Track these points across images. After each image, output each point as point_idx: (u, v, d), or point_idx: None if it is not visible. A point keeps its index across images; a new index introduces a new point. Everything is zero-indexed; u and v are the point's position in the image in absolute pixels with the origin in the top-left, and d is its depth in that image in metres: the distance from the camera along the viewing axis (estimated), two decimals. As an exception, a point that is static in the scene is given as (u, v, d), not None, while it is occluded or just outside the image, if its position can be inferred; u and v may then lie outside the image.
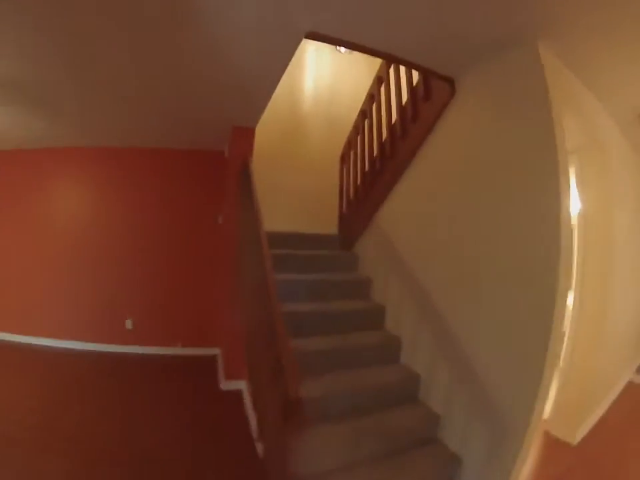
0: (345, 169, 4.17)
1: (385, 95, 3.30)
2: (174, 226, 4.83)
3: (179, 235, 4.82)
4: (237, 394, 3.56)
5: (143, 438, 2.86)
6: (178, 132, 4.20)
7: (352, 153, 3.98)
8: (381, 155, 3.37)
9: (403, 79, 3.04)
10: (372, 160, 3.53)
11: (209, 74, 2.68)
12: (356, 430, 2.22)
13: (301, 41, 2.14)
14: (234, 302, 3.57)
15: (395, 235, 3.19)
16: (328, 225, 4.14)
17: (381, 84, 3.36)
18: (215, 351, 4.54)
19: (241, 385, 3.63)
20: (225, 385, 3.69)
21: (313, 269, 3.46)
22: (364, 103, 3.75)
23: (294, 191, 4.44)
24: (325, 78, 4.90)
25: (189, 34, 2.15)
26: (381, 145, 3.38)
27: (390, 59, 2.53)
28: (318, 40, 2.14)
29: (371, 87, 3.59)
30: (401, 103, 3.09)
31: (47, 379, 3.90)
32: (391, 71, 3.17)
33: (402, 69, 2.99)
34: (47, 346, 4.86)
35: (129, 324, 4.78)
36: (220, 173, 4.60)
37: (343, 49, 4.71)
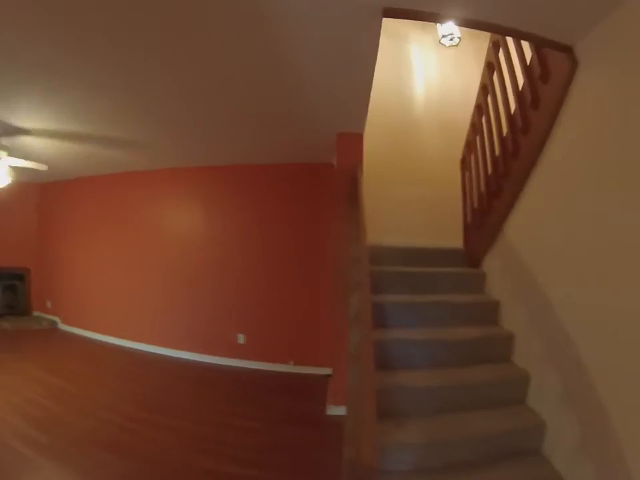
0: (466, 174, 3.73)
1: (498, 82, 2.84)
2: (287, 242, 5.00)
3: (292, 250, 4.97)
4: (341, 420, 3.37)
5: (229, 451, 2.99)
6: (283, 146, 4.38)
7: (472, 156, 3.54)
8: (504, 155, 2.90)
9: (515, 60, 2.57)
10: (494, 161, 3.06)
11: (298, 78, 2.68)
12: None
13: (380, 20, 1.96)
14: (341, 321, 3.43)
15: (526, 250, 2.68)
16: (451, 238, 3.73)
17: (492, 71, 2.91)
18: (329, 371, 4.45)
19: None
20: (331, 409, 3.60)
21: (430, 289, 3.10)
22: (478, 96, 3.30)
23: (409, 200, 4.16)
24: (433, 77, 4.55)
25: (270, 38, 2.18)
26: (502, 142, 2.92)
27: (490, 29, 2.12)
28: (397, 16, 1.92)
29: (482, 77, 3.15)
30: (518, 88, 2.61)
31: (160, 386, 4.43)
32: (501, 53, 2.72)
33: (512, 49, 2.53)
34: (160, 354, 5.55)
35: (240, 339, 5.07)
36: (331, 185, 4.60)
37: (447, 42, 4.29)
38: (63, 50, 2.30)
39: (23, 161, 4.13)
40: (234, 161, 5.11)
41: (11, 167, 4.13)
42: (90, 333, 6.43)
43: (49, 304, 7.26)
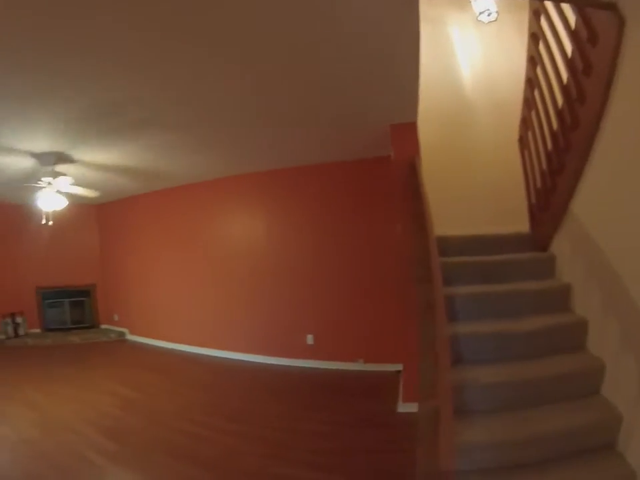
0: (525, 153, 3.52)
1: (545, 52, 2.67)
2: (352, 240, 5.04)
3: (356, 248, 5.01)
4: (414, 418, 3.30)
5: (300, 455, 3.05)
6: (338, 144, 4.46)
7: (529, 133, 3.34)
8: (562, 128, 2.71)
9: (559, 27, 2.40)
10: (553, 136, 2.88)
11: (349, 71, 2.72)
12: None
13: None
14: (411, 317, 3.38)
15: (596, 228, 2.49)
16: (516, 222, 3.54)
17: (537, 41, 2.74)
18: (399, 367, 4.40)
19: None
20: (402, 406, 3.58)
21: (497, 277, 2.97)
22: (527, 69, 3.12)
23: (468, 186, 4.03)
24: (477, 56, 4.35)
25: (325, 35, 2.26)
26: (559, 114, 2.73)
27: None
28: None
29: (528, 49, 2.97)
30: (566, 56, 2.44)
31: (230, 391, 4.63)
32: (543, 22, 2.56)
33: (554, 15, 2.38)
34: (230, 359, 5.81)
35: (309, 339, 5.16)
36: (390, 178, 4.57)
37: (485, 18, 4.08)
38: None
39: (76, 187, 4.57)
40: (289, 163, 5.28)
41: (64, 192, 4.55)
42: (158, 341, 6.92)
43: (115, 317, 7.95)
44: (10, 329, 7.54)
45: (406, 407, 3.55)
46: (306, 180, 5.39)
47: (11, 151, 4.04)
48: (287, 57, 2.49)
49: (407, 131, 3.62)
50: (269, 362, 5.48)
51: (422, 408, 1.52)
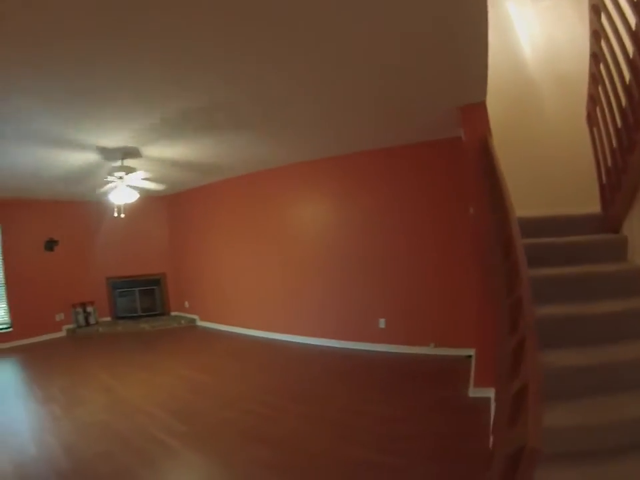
0: (594, 130, 3.41)
1: (608, 24, 2.60)
2: (422, 222, 5.10)
3: (427, 231, 5.07)
4: (485, 403, 3.40)
5: (371, 438, 3.16)
6: (407, 126, 4.51)
7: (597, 109, 3.24)
8: (631, 104, 2.64)
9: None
10: (622, 112, 2.79)
11: (413, 50, 2.73)
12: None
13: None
14: (487, 300, 3.41)
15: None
16: (586, 202, 3.45)
17: (599, 14, 2.66)
18: (470, 352, 4.46)
19: (491, 394, 3.42)
20: (474, 391, 3.62)
21: (568, 260, 2.94)
22: (590, 44, 3.02)
23: (535, 167, 3.93)
24: (537, 32, 4.20)
25: (393, 16, 2.27)
26: (627, 90, 2.65)
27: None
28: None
29: (590, 22, 2.89)
30: (631, 28, 2.38)
31: (301, 374, 4.85)
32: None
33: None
34: (300, 343, 6.09)
35: (382, 323, 5.31)
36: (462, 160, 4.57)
37: None
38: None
39: (143, 181, 4.90)
40: (357, 148, 5.44)
41: (133, 186, 4.90)
42: (229, 327, 7.36)
43: (186, 304, 8.50)
44: (81, 318, 8.27)
45: (478, 392, 3.60)
46: (374, 164, 5.50)
47: (84, 148, 4.41)
48: (353, 41, 2.53)
49: (476, 111, 3.60)
50: (339, 346, 5.69)
51: (502, 389, 1.57)
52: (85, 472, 2.96)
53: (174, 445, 3.31)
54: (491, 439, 2.63)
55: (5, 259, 7.45)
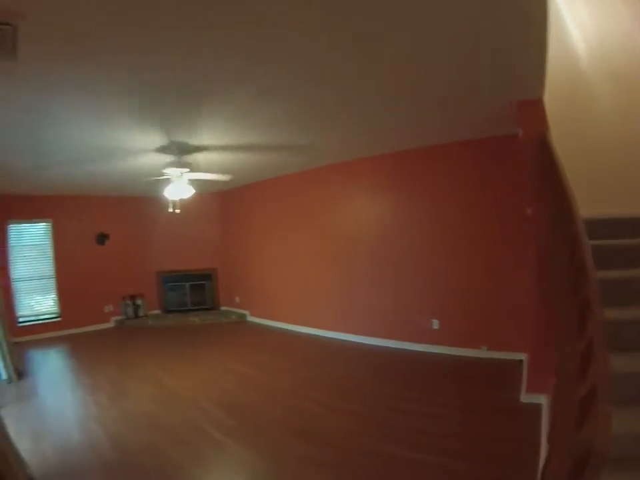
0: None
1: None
2: (477, 222, 4.94)
3: (483, 231, 4.90)
4: (537, 409, 3.29)
5: (416, 438, 3.11)
6: (463, 123, 4.36)
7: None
8: None
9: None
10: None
11: (473, 46, 2.61)
12: None
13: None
14: (544, 303, 3.33)
15: None
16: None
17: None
18: (522, 356, 4.34)
19: (543, 400, 3.33)
20: (525, 397, 3.52)
21: (630, 262, 2.82)
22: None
23: (596, 164, 3.77)
24: (590, 30, 4.02)
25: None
26: None
27: None
28: None
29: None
30: None
31: (350, 373, 4.78)
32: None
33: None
34: (353, 342, 6.02)
35: (435, 324, 5.19)
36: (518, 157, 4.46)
37: None
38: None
39: (206, 174, 4.94)
40: (411, 145, 5.32)
41: (195, 180, 4.93)
42: (278, 323, 7.40)
43: (237, 299, 8.61)
44: (130, 310, 8.50)
45: (529, 398, 3.50)
46: (428, 161, 5.37)
47: (140, 147, 4.51)
48: (412, 36, 2.42)
49: (534, 108, 3.48)
50: (389, 345, 5.63)
51: (566, 392, 1.53)
52: (130, 463, 3.00)
53: (222, 440, 3.31)
54: (544, 444, 2.58)
55: (55, 252, 7.75)
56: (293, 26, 2.26)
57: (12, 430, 3.40)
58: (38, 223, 7.69)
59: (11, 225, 7.31)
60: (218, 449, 3.20)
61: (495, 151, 4.77)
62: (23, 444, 3.21)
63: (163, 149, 4.59)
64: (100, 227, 8.28)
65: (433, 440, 3.06)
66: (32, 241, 7.70)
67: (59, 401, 4.42)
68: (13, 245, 7.36)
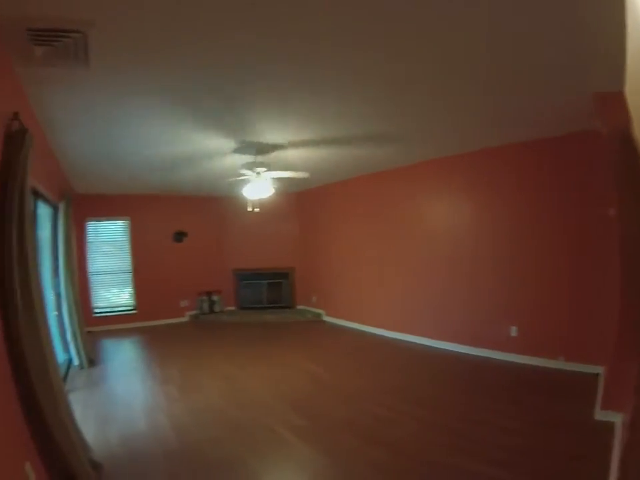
0: None
1: None
2: (558, 224, 4.68)
3: (564, 234, 4.63)
4: (610, 428, 3.04)
5: (481, 449, 2.98)
6: (537, 119, 4.12)
7: None
8: None
9: None
10: None
11: (547, 35, 2.45)
12: None
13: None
14: (627, 313, 3.06)
15: None
16: None
17: None
18: (599, 370, 4.06)
19: (618, 419, 3.06)
20: (600, 414, 3.26)
21: None
22: None
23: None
24: None
25: None
26: None
27: None
28: None
29: None
30: None
31: (423, 378, 4.68)
32: None
33: None
34: (426, 346, 5.91)
35: (513, 331, 4.96)
36: (598, 155, 4.09)
37: None
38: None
39: (285, 172, 5.00)
40: (487, 144, 5.13)
41: (273, 179, 5.03)
42: (354, 324, 7.39)
43: (313, 299, 8.68)
44: (205, 306, 8.88)
45: (604, 415, 3.23)
46: (503, 161, 5.15)
47: (216, 149, 4.68)
48: (483, 25, 2.30)
49: (615, 101, 3.21)
50: (462, 351, 5.48)
51: None
52: (193, 455, 3.09)
53: (289, 438, 3.33)
54: (614, 467, 2.37)
55: (132, 249, 8.29)
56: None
57: (78, 414, 3.66)
58: (116, 220, 8.25)
59: (90, 222, 7.89)
60: (284, 447, 3.22)
61: (575, 149, 4.47)
62: (88, 428, 3.43)
63: (239, 150, 4.72)
64: (178, 225, 8.74)
65: (502, 454, 2.92)
66: (110, 238, 8.29)
67: (127, 389, 4.68)
68: (92, 241, 7.95)
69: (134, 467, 2.93)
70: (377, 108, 3.71)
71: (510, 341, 5.04)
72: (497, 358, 5.10)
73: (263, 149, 4.71)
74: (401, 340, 6.36)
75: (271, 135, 4.38)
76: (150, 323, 8.25)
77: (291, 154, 5.14)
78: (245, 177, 4.94)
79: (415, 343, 6.15)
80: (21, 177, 2.33)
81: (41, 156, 3.50)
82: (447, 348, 5.71)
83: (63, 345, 5.41)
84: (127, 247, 8.30)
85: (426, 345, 5.96)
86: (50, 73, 2.58)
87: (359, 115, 3.88)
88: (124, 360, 6.05)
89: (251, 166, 4.75)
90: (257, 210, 5.57)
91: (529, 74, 3.01)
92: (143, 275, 8.31)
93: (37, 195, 3.87)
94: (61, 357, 5.31)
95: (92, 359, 5.57)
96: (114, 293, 8.36)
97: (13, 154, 2.32)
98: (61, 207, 5.10)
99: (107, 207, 8.03)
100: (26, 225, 2.33)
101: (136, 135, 4.17)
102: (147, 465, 2.96)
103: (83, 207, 7.44)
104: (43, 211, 4.84)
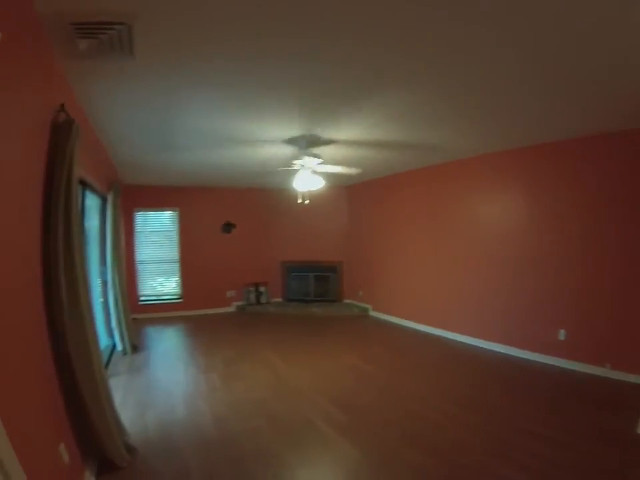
0: None
1: None
2: (613, 229, 4.43)
3: (619, 239, 4.38)
4: None
5: (523, 458, 2.86)
6: (608, 111, 3.83)
7: None
8: None
9: None
10: None
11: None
12: None
13: None
14: None
15: None
16: None
17: None
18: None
19: None
20: None
21: None
22: None
23: None
24: None
25: None
26: None
27: None
28: None
29: None
30: None
31: (470, 379, 4.55)
32: None
33: None
34: (473, 345, 5.80)
35: (561, 334, 4.77)
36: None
37: None
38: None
39: (336, 166, 4.98)
40: (550, 137, 4.83)
41: (324, 172, 5.00)
42: (402, 320, 7.31)
43: (360, 293, 8.65)
44: (252, 297, 9.03)
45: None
46: (560, 156, 4.87)
47: (270, 137, 4.61)
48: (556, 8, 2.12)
49: None
50: (513, 353, 5.29)
51: None
52: (229, 444, 3.15)
53: (329, 434, 3.32)
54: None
55: (180, 239, 8.51)
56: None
57: (118, 398, 3.80)
58: (165, 211, 8.49)
59: (139, 213, 8.18)
60: (322, 442, 3.21)
61: (632, 146, 4.18)
62: (127, 412, 3.57)
63: (292, 141, 4.70)
64: (226, 216, 8.91)
65: (548, 468, 2.77)
66: (159, 227, 8.53)
67: (169, 376, 4.81)
68: (140, 231, 8.23)
69: (169, 453, 3.02)
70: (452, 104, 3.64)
71: (557, 344, 4.82)
72: (542, 361, 4.92)
73: (315, 141, 4.68)
74: (446, 337, 6.25)
75: (329, 130, 4.35)
76: (195, 312, 8.47)
77: (342, 149, 5.11)
78: (295, 168, 4.91)
79: (460, 341, 6.02)
80: (68, 167, 2.41)
81: (89, 148, 3.63)
82: (492, 348, 5.56)
83: (107, 330, 5.64)
84: (175, 237, 8.53)
85: (471, 344, 5.83)
86: (96, 66, 2.66)
87: (431, 114, 3.82)
88: (167, 347, 6.21)
89: (302, 158, 4.70)
90: (306, 202, 5.57)
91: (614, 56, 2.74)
92: (190, 264, 8.53)
93: (85, 185, 4.01)
94: (104, 342, 5.54)
95: (135, 345, 5.77)
96: (161, 282, 8.63)
97: (60, 145, 2.41)
98: (110, 197, 5.28)
99: (156, 197, 8.29)
100: (73, 216, 2.41)
101: (185, 127, 4.18)
102: (182, 452, 3.03)
103: (132, 197, 7.71)
104: (92, 202, 5.04)
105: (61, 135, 2.41)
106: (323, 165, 4.83)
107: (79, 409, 2.47)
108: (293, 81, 3.05)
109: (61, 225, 2.32)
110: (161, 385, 4.47)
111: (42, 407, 2.00)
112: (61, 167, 2.36)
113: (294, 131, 4.36)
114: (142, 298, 8.30)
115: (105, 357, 5.08)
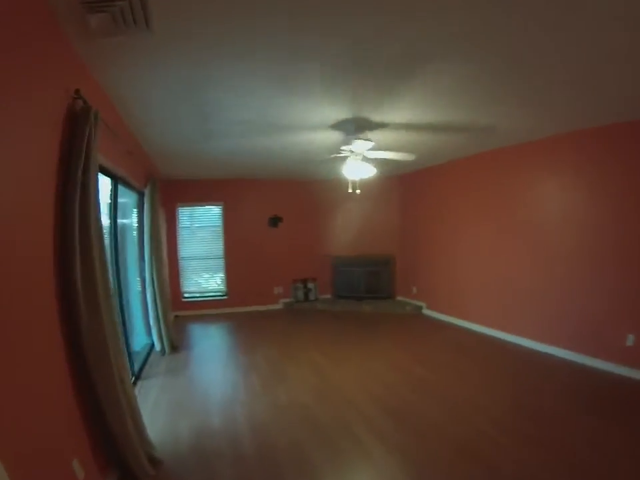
0: None
1: None
2: None
3: None
4: None
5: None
6: None
7: None
8: None
9: None
10: None
11: None
12: None
13: None
14: None
15: None
16: None
17: None
18: None
19: None
20: None
21: None
22: None
23: None
24: None
25: None
26: None
27: None
28: None
29: None
30: None
31: (529, 386, 4.14)
32: None
33: None
34: (531, 348, 5.35)
35: (630, 340, 4.26)
36: None
37: None
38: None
39: (389, 152, 4.65)
40: (617, 118, 4.28)
41: (375, 159, 4.73)
42: (457, 319, 6.87)
43: (414, 290, 8.18)
44: (300, 294, 8.82)
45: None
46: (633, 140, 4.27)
47: (318, 121, 4.30)
48: None
49: None
50: (574, 359, 4.79)
51: None
52: (264, 457, 2.95)
53: (373, 446, 3.06)
54: None
55: (226, 234, 8.41)
56: None
57: (150, 403, 3.67)
58: (209, 205, 8.42)
59: (181, 208, 8.14)
60: (366, 456, 2.93)
61: None
62: (158, 420, 3.44)
63: (339, 125, 4.41)
64: (273, 210, 8.73)
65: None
66: (203, 222, 8.49)
67: (207, 379, 4.67)
68: (183, 226, 8.20)
69: (199, 467, 2.83)
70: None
71: (624, 351, 4.29)
72: (604, 369, 4.41)
73: (366, 125, 4.35)
74: (504, 340, 5.77)
75: (380, 112, 4.03)
76: (241, 309, 8.38)
77: (395, 134, 4.78)
78: (345, 155, 4.62)
79: (519, 344, 5.53)
80: (86, 156, 2.26)
81: (118, 139, 3.46)
82: (552, 352, 5.05)
83: (146, 330, 5.60)
84: (219, 232, 8.45)
85: (531, 348, 5.34)
86: (113, 46, 2.47)
87: (487, 87, 3.45)
88: (209, 346, 6.08)
89: (352, 142, 4.39)
90: (357, 191, 5.30)
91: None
92: (236, 260, 8.44)
93: (117, 179, 3.89)
94: (142, 342, 5.49)
95: (175, 345, 5.68)
96: (205, 278, 8.60)
97: (76, 134, 2.26)
98: (147, 192, 5.21)
99: (199, 192, 8.20)
100: (90, 209, 2.27)
101: (220, 112, 3.92)
102: (213, 465, 2.85)
103: (174, 192, 7.68)
104: (128, 196, 4.97)
105: (78, 124, 2.27)
106: (374, 151, 4.51)
107: (98, 421, 2.34)
108: (337, 51, 2.73)
109: (77, 219, 2.18)
110: (197, 389, 4.31)
111: (54, 422, 1.88)
112: (78, 157, 2.21)
113: (341, 113, 4.03)
114: (186, 295, 8.29)
115: (141, 358, 5.07)
